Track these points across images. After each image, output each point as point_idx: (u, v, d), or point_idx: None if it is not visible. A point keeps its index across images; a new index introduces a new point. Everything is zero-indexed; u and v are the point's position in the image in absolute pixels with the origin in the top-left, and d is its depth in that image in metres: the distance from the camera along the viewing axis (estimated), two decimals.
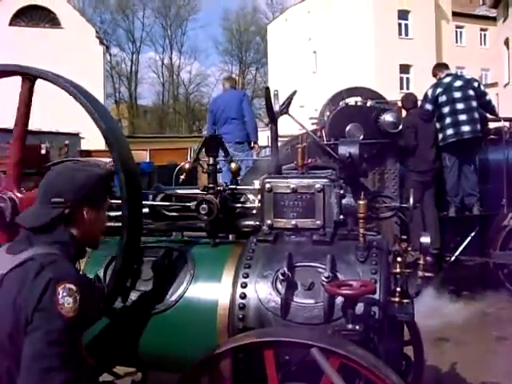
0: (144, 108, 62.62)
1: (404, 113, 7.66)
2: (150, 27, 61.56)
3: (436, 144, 7.37)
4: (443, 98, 7.37)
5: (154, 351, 2.75)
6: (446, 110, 7.34)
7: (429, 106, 7.49)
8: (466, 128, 7.20)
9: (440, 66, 8.07)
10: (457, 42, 42.33)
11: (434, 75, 7.84)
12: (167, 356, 2.73)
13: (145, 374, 4.08)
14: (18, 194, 2.63)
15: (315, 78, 39.74)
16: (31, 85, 2.59)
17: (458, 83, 7.41)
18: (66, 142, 17.28)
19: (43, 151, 12.54)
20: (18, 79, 2.63)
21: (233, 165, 2.96)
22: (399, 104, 7.74)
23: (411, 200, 2.85)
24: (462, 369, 4.66)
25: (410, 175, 7.16)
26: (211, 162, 2.86)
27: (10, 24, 33.14)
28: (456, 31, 42.35)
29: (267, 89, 2.87)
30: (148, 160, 18.94)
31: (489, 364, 4.96)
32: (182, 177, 2.96)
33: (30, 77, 2.56)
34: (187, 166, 2.91)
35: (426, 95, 7.60)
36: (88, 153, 19.59)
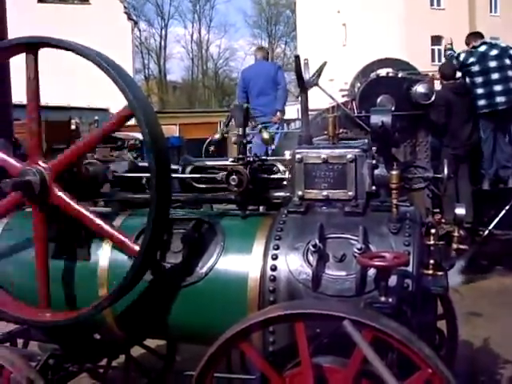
0: (173, 84, 62.59)
1: (436, 85, 7.50)
2: (178, 1, 61.25)
3: (474, 117, 7.22)
4: (476, 68, 7.20)
5: (184, 324, 2.74)
6: (479, 80, 7.17)
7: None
8: (500, 99, 7.05)
9: (474, 35, 7.85)
10: (491, 11, 41.21)
11: (467, 44, 7.64)
12: (197, 328, 2.72)
13: (174, 347, 4.13)
14: (44, 165, 2.58)
15: (345, 51, 39.21)
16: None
17: (494, 52, 7.23)
18: (96, 117, 17.33)
19: (73, 127, 12.61)
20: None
21: (265, 134, 2.88)
22: (430, 75, 7.58)
23: (445, 170, 2.77)
24: (494, 344, 4.61)
25: (445, 150, 7.04)
26: (240, 132, 2.81)
27: (39, 1, 33.25)
28: (490, 0, 41.26)
29: (297, 57, 2.80)
30: (177, 134, 18.96)
31: None
32: (212, 148, 2.91)
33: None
34: (216, 136, 2.86)
35: (457, 56, 7.43)
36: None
